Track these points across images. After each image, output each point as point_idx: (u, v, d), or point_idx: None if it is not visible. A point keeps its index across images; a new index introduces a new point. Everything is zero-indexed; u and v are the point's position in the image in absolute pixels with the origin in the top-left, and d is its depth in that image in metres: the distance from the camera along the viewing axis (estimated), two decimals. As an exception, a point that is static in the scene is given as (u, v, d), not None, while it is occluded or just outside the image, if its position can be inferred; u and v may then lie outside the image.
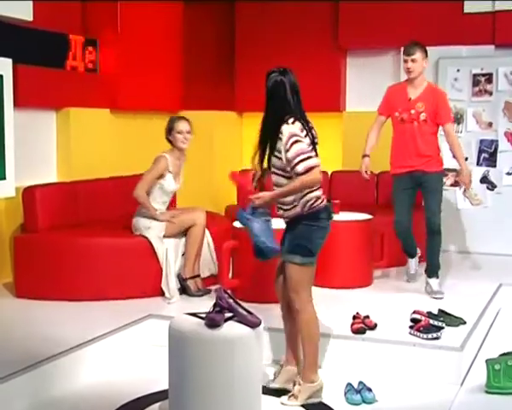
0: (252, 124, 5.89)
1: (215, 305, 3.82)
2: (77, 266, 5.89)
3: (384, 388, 4.52)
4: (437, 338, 4.83)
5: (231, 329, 3.72)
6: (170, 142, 6.11)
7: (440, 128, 6.09)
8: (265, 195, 4.28)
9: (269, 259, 4.33)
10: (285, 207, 4.29)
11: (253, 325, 3.76)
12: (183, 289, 6.03)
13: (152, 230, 6.00)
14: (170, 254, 6.00)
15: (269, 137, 4.25)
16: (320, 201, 4.28)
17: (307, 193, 4.21)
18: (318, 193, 4.27)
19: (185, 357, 3.71)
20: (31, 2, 6.26)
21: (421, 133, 6.01)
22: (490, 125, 7.97)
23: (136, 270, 5.98)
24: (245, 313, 3.82)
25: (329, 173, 8.39)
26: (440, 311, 5.31)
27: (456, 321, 5.18)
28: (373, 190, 8.16)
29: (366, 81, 8.46)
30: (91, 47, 7.20)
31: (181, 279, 6.04)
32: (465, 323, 5.20)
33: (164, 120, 6.23)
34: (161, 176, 6.02)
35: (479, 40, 7.99)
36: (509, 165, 7.91)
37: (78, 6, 7.26)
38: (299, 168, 4.07)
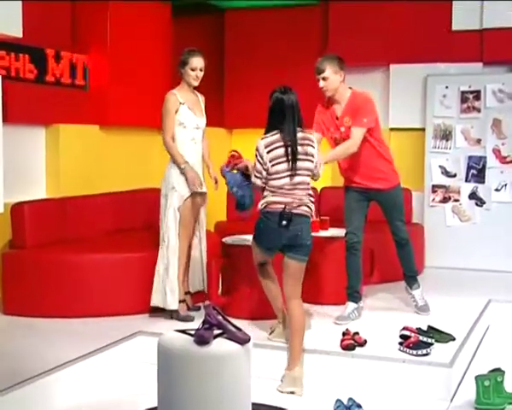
0: (241, 140, 5.91)
1: (204, 322, 3.81)
2: (65, 282, 5.87)
3: (374, 404, 4.51)
4: (426, 354, 4.83)
5: (220, 346, 3.71)
6: (180, 74, 5.78)
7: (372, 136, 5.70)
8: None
9: (246, 210, 5.16)
10: None
11: (243, 341, 3.74)
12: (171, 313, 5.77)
13: (176, 193, 5.66)
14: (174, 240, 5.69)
15: None
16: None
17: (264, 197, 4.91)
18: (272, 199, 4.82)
19: (174, 374, 3.69)
20: (20, 19, 6.25)
21: (362, 149, 5.62)
22: (478, 141, 8.02)
23: (125, 286, 5.96)
24: (234, 329, 3.81)
25: (319, 189, 8.40)
26: (430, 327, 5.31)
27: (446, 337, 5.18)
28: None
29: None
30: (81, 63, 7.20)
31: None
32: (454, 339, 5.20)
33: (153, 136, 6.22)
34: (176, 112, 5.68)
35: (467, 57, 8.06)
36: (497, 181, 7.95)
37: (68, 22, 7.27)
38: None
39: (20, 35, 6.17)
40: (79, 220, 6.66)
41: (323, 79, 5.59)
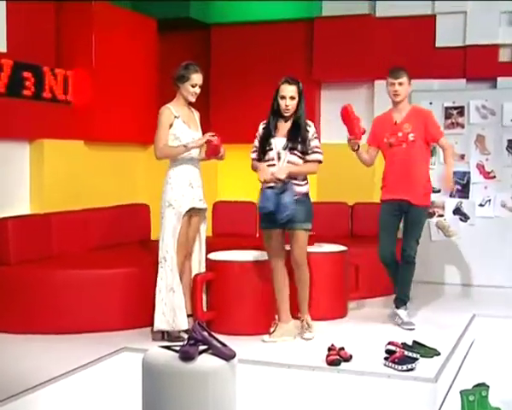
0: (227, 156, 5.89)
1: (189, 338, 3.80)
2: (50, 298, 5.84)
3: (359, 420, 4.51)
4: (411, 369, 4.84)
5: (206, 361, 3.70)
6: (177, 88, 5.68)
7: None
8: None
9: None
10: None
11: (228, 357, 3.74)
12: (167, 333, 5.62)
13: (173, 210, 5.56)
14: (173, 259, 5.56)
15: None
16: None
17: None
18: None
19: (159, 390, 3.67)
20: (4, 34, 6.26)
21: (411, 156, 6.01)
22: (462, 157, 8.07)
23: (111, 302, 5.94)
24: (219, 345, 3.80)
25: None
26: (415, 342, 5.33)
27: (431, 352, 5.20)
28: (347, 222, 8.20)
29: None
30: (66, 78, 7.20)
31: None
32: (439, 354, 5.21)
33: (138, 152, 6.21)
34: (170, 126, 5.59)
35: (450, 74, 8.14)
36: (481, 196, 8.01)
37: (52, 37, 7.26)
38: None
39: (5, 50, 6.18)
40: (64, 236, 6.64)
41: (400, 83, 6.08)
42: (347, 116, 5.86)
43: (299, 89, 5.63)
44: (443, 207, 8.09)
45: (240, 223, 8.29)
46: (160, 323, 5.55)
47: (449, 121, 8.10)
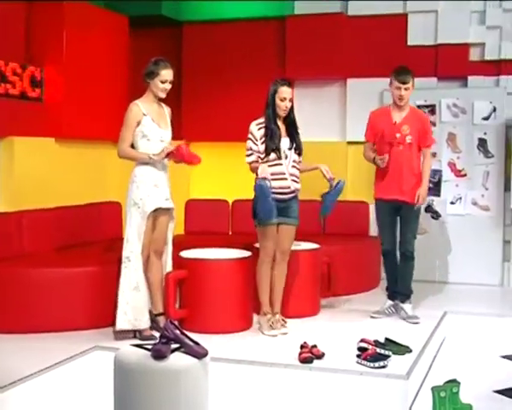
0: (199, 154, 5.87)
1: (161, 336, 3.79)
2: (21, 297, 5.77)
3: (331, 417, 4.53)
4: (384, 367, 4.86)
5: (178, 360, 3.68)
6: (147, 84, 5.57)
7: None
8: None
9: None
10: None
11: (200, 355, 3.73)
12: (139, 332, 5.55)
13: (139, 209, 5.48)
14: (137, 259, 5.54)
15: None
16: None
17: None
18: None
19: (131, 389, 3.65)
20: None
21: (406, 158, 6.08)
22: (434, 155, 8.11)
23: (82, 300, 5.89)
24: (191, 343, 3.79)
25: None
26: (387, 339, 5.36)
27: (403, 349, 5.22)
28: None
29: (313, 111, 8.53)
30: (36, 75, 7.13)
31: (152, 315, 5.65)
32: (411, 351, 5.25)
33: (109, 150, 6.15)
34: (138, 124, 5.48)
35: (422, 72, 8.16)
36: (452, 194, 8.08)
37: (22, 34, 7.19)
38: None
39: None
40: (35, 234, 6.58)
41: (406, 89, 6.06)
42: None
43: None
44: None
45: (212, 221, 8.28)
46: (122, 323, 5.49)
47: (420, 120, 8.15)
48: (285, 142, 5.78)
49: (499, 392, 5.05)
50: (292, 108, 5.83)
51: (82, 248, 6.89)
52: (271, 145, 5.69)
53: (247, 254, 6.09)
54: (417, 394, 4.92)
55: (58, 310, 5.82)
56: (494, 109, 7.97)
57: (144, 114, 5.50)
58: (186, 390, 3.64)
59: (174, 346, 3.76)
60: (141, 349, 3.78)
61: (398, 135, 6.08)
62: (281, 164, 5.70)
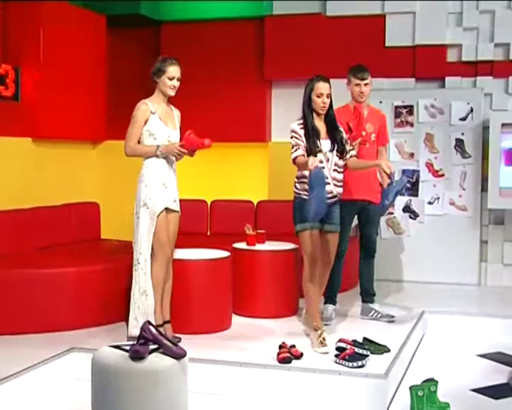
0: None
1: (139, 337, 3.78)
2: (-2, 298, 5.74)
3: (310, 417, 4.54)
4: (362, 366, 4.88)
5: (156, 361, 3.68)
6: (155, 83, 5.41)
7: None
8: None
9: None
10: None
11: (178, 356, 3.73)
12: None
13: (148, 210, 5.31)
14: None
15: None
16: None
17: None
18: None
19: (109, 390, 3.64)
20: None
21: (370, 157, 6.06)
22: (411, 155, 8.18)
23: (60, 302, 5.85)
24: (170, 344, 3.79)
25: (255, 203, 8.44)
26: (365, 339, 5.37)
27: (381, 349, 5.25)
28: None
29: (291, 112, 8.51)
30: (12, 74, 7.08)
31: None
32: (389, 350, 5.27)
33: (86, 150, 6.13)
34: (145, 122, 5.33)
35: (400, 73, 8.23)
36: (430, 194, 8.13)
37: (-1, 33, 7.16)
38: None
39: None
40: (12, 235, 6.54)
41: (366, 84, 6.10)
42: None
43: (330, 87, 5.51)
44: (393, 205, 8.17)
45: (190, 221, 8.26)
46: (134, 329, 5.29)
47: (398, 120, 8.20)
48: (326, 143, 5.42)
49: (476, 390, 5.09)
50: (331, 105, 5.52)
51: (59, 249, 6.85)
52: (312, 147, 5.32)
53: (225, 254, 6.08)
54: (395, 393, 4.94)
55: (35, 311, 5.76)
56: (471, 110, 8.04)
57: (152, 113, 5.35)
58: (164, 391, 3.64)
59: (152, 347, 3.75)
60: (119, 350, 3.78)
61: (363, 133, 6.09)
62: (323, 167, 5.27)
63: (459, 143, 8.11)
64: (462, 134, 8.08)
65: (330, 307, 6.21)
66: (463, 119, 8.07)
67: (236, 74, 8.75)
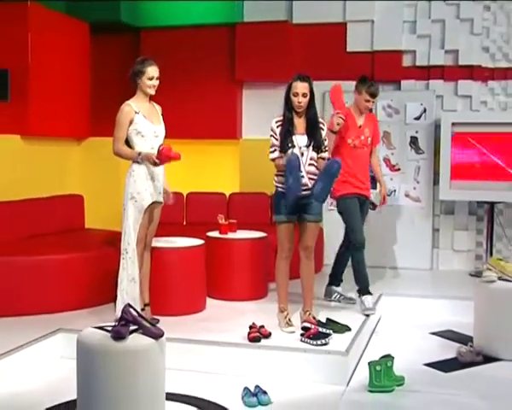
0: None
1: (120, 318, 3.76)
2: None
3: (278, 390, 4.55)
4: (325, 344, 4.90)
5: (136, 341, 3.66)
6: (135, 84, 5.35)
7: None
8: None
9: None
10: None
11: (157, 336, 3.71)
12: None
13: (136, 203, 5.23)
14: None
15: None
16: None
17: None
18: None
19: (92, 368, 3.62)
20: None
21: (367, 159, 6.14)
22: (370, 151, 8.22)
23: (47, 286, 5.81)
24: (149, 325, 3.78)
25: (227, 195, 8.43)
26: (328, 319, 5.40)
27: (342, 328, 5.27)
28: (267, 210, 8.22)
29: (261, 111, 8.53)
30: (2, 74, 6.98)
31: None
32: (350, 330, 5.30)
33: (71, 147, 6.07)
34: (131, 122, 5.26)
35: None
36: (387, 187, 8.15)
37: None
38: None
39: None
40: (1, 225, 6.45)
41: (373, 101, 6.08)
42: (339, 94, 5.76)
43: (311, 85, 5.28)
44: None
45: (168, 212, 8.22)
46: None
47: (358, 119, 8.22)
48: (302, 139, 5.27)
49: (429, 365, 5.15)
50: (313, 103, 5.33)
51: (46, 238, 6.77)
52: (285, 142, 5.23)
53: (199, 242, 6.07)
54: (356, 368, 4.98)
55: (22, 295, 5.72)
56: (424, 110, 8.11)
57: (136, 112, 5.27)
58: (144, 368, 3.62)
59: (132, 328, 3.73)
60: (102, 331, 3.75)
61: (362, 137, 6.04)
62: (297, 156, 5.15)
63: (414, 141, 8.17)
64: (417, 132, 8.15)
65: (369, 297, 5.96)
66: (417, 118, 8.14)
67: (210, 76, 8.70)
